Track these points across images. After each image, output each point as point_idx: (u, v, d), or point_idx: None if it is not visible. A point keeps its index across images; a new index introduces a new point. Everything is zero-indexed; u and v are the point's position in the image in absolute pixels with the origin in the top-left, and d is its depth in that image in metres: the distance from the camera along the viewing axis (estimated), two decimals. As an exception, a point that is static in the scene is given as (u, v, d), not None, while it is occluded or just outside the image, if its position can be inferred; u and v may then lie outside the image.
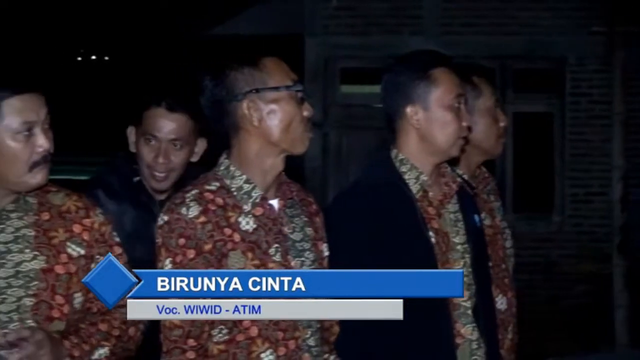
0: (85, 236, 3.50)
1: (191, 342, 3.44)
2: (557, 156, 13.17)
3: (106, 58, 26.00)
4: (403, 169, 3.98)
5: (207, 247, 3.43)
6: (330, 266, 3.81)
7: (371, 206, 3.89)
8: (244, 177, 3.55)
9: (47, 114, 3.43)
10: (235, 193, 3.52)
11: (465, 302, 3.98)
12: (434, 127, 3.97)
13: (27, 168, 3.38)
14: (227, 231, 3.46)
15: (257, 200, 3.54)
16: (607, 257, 12.00)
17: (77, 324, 3.49)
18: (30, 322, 3.36)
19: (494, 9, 13.03)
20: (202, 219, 3.44)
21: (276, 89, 3.53)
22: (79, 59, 26.59)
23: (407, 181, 3.96)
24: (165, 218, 3.47)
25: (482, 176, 4.76)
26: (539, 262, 12.55)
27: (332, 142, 13.16)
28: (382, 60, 11.42)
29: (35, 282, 3.38)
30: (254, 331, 3.45)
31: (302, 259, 3.59)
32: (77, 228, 3.49)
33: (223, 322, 3.44)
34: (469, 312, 3.99)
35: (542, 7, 12.96)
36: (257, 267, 3.46)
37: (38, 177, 3.41)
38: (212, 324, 3.45)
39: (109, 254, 3.39)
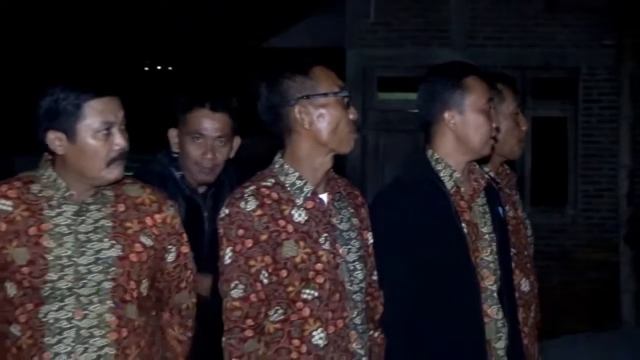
0: (156, 230, 3.52)
1: (249, 322, 3.44)
2: (570, 156, 13.14)
3: (169, 68, 26.10)
4: (438, 167, 3.98)
5: (264, 237, 3.43)
6: (376, 254, 3.81)
7: (412, 201, 3.89)
8: (297, 174, 3.54)
9: (124, 116, 3.46)
10: (289, 188, 3.52)
11: (491, 286, 3.98)
12: (469, 129, 3.97)
13: (104, 164, 3.40)
14: (282, 223, 3.46)
15: (309, 195, 3.54)
16: (615, 246, 11.97)
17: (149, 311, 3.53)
18: (110, 304, 3.38)
19: (515, 24, 12.99)
20: (259, 212, 3.44)
21: (325, 95, 3.52)
22: (146, 69, 26.72)
23: (442, 178, 3.96)
24: (227, 211, 3.47)
25: (505, 173, 4.75)
26: (554, 251, 12.50)
27: (370, 143, 13.15)
28: (415, 70, 11.44)
29: (113, 268, 3.40)
30: (306, 312, 3.45)
31: (349, 246, 3.60)
32: (149, 221, 3.51)
33: (279, 303, 3.45)
34: (495, 294, 3.99)
35: (558, 22, 12.92)
36: (309, 255, 3.46)
37: (115, 172, 3.44)
38: (269, 305, 3.45)
39: None
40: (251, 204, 3.45)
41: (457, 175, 3.98)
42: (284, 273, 3.44)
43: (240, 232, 3.42)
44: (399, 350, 3.85)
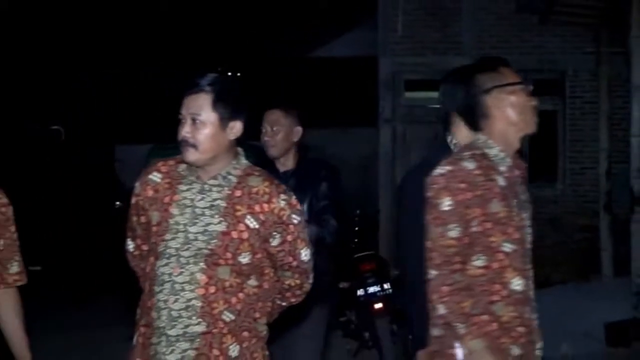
0: (262, 216, 3.40)
1: (458, 258, 3.36)
2: (559, 141, 13.05)
3: (238, 74, 26.07)
4: (456, 150, 3.94)
5: (478, 192, 3.38)
6: (405, 220, 3.82)
7: None
8: (498, 148, 3.51)
9: (194, 112, 3.44)
10: (493, 158, 3.47)
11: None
12: None
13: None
14: (491, 184, 3.41)
15: (508, 165, 3.51)
16: (596, 213, 11.95)
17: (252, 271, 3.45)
18: (202, 265, 3.35)
19: (515, 36, 12.92)
20: (477, 171, 3.40)
21: (513, 84, 3.50)
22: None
23: None
24: (449, 168, 3.42)
25: None
26: (547, 218, 12.43)
27: (399, 132, 13.11)
28: (434, 74, 11.37)
29: (215, 241, 3.36)
30: (505, 262, 3.39)
31: (527, 214, 3.54)
32: (257, 208, 3.40)
33: (482, 251, 3.39)
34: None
35: (549, 34, 12.85)
36: (508, 213, 3.41)
37: (184, 155, 3.43)
38: (472, 250, 3.39)
39: None
40: (471, 164, 3.40)
41: (472, 157, 3.95)
42: (488, 225, 3.38)
43: (462, 185, 3.36)
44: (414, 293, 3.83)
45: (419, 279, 3.61)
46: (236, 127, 3.46)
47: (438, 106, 4.15)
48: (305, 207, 5.02)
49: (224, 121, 3.42)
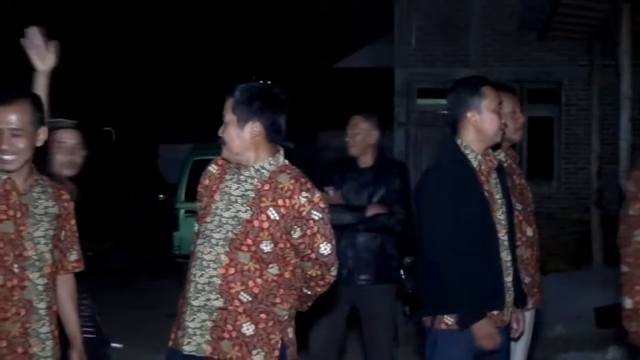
0: (283, 210, 3.38)
1: None
2: (555, 144, 13.10)
3: (267, 82, 26.11)
4: (466, 151, 3.91)
5: None
6: (425, 215, 3.84)
7: (450, 175, 3.85)
8: None
9: (225, 116, 3.52)
10: None
11: (503, 237, 3.92)
12: (485, 124, 3.91)
13: None
14: None
15: None
16: (587, 209, 11.92)
17: (273, 261, 3.42)
18: (227, 249, 3.38)
19: (516, 50, 12.96)
20: None
21: None
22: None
23: (470, 159, 3.90)
24: None
25: (512, 154, 4.69)
26: (544, 212, 12.33)
27: (411, 135, 13.15)
28: (443, 83, 11.37)
29: (239, 227, 3.38)
30: None
31: None
32: (280, 202, 3.38)
33: None
34: (505, 243, 3.94)
35: (546, 48, 12.89)
36: None
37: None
38: None
39: None
40: None
41: (479, 157, 3.91)
42: None
43: None
44: (446, 279, 3.82)
45: (439, 260, 3.77)
46: (254, 128, 3.45)
47: (446, 112, 4.12)
48: (379, 198, 5.42)
49: (240, 122, 3.45)
